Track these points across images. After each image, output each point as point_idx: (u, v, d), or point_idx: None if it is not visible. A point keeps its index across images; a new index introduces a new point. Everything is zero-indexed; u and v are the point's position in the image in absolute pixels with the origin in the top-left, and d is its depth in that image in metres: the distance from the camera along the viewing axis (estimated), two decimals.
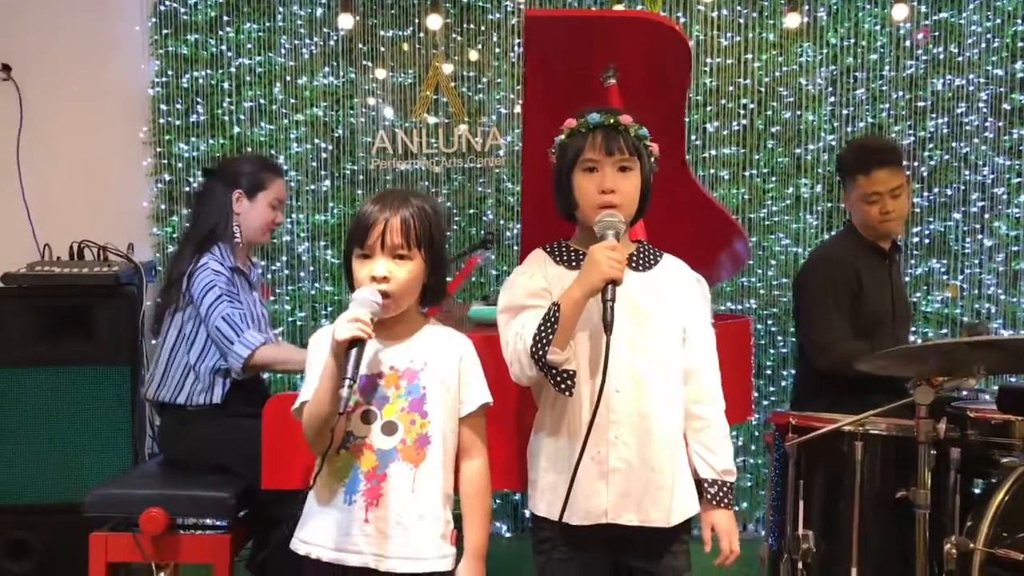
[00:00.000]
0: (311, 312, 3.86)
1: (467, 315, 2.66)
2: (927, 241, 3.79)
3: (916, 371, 2.13)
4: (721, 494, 1.84)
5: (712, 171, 3.82)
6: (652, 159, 1.87)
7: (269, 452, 2.06)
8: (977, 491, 2.48)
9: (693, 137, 3.80)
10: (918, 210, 3.76)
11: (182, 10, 3.79)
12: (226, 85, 3.82)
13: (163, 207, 3.84)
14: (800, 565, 2.33)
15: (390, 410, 1.72)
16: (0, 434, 3.09)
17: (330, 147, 3.85)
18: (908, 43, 3.77)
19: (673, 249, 1.98)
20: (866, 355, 2.28)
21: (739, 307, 3.84)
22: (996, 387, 2.67)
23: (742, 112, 3.81)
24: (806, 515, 2.37)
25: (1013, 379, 3.56)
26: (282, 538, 1.91)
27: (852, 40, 3.78)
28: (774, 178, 3.83)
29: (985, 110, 3.75)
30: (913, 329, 3.73)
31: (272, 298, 3.76)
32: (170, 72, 3.81)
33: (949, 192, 3.78)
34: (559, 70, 2.26)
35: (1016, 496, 2.21)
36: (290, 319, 3.85)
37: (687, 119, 3.77)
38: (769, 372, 3.85)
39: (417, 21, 3.81)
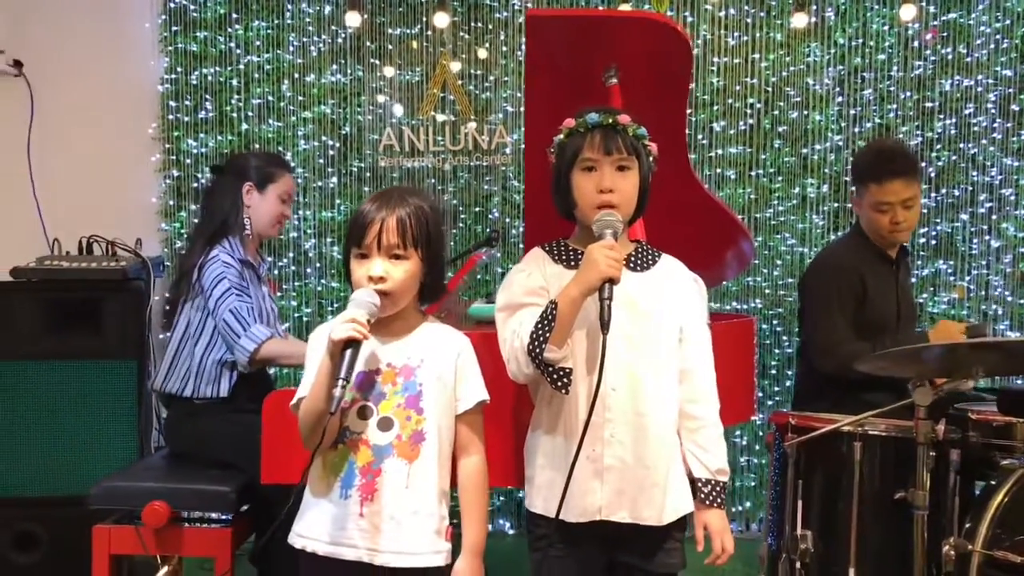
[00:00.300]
0: (317, 308, 3.88)
1: (467, 312, 2.67)
2: (934, 242, 3.78)
3: (916, 372, 2.13)
4: (714, 494, 1.85)
5: (718, 170, 3.82)
6: (651, 158, 1.87)
7: (268, 446, 2.07)
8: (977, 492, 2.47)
9: (700, 136, 3.81)
10: (926, 211, 3.75)
11: (192, 7, 3.83)
12: (235, 82, 3.85)
13: (171, 203, 3.87)
14: (798, 565, 2.33)
15: (386, 406, 1.73)
16: (8, 427, 3.12)
17: (337, 144, 3.88)
18: (916, 43, 3.76)
19: (679, 248, 1.98)
20: (866, 356, 2.28)
21: (744, 307, 3.84)
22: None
23: (749, 112, 3.81)
24: (805, 515, 2.36)
25: (1020, 381, 3.58)
26: (281, 533, 1.92)
27: (860, 40, 3.77)
28: (780, 178, 3.82)
29: (993, 111, 3.73)
30: (919, 330, 3.71)
31: (279, 293, 3.79)
32: (179, 69, 3.84)
33: (957, 193, 3.77)
34: (560, 69, 2.26)
35: (1015, 498, 2.20)
36: (296, 314, 3.87)
37: (694, 118, 3.79)
38: (774, 372, 3.85)
39: (425, 19, 3.83)
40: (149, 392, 3.07)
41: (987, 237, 3.76)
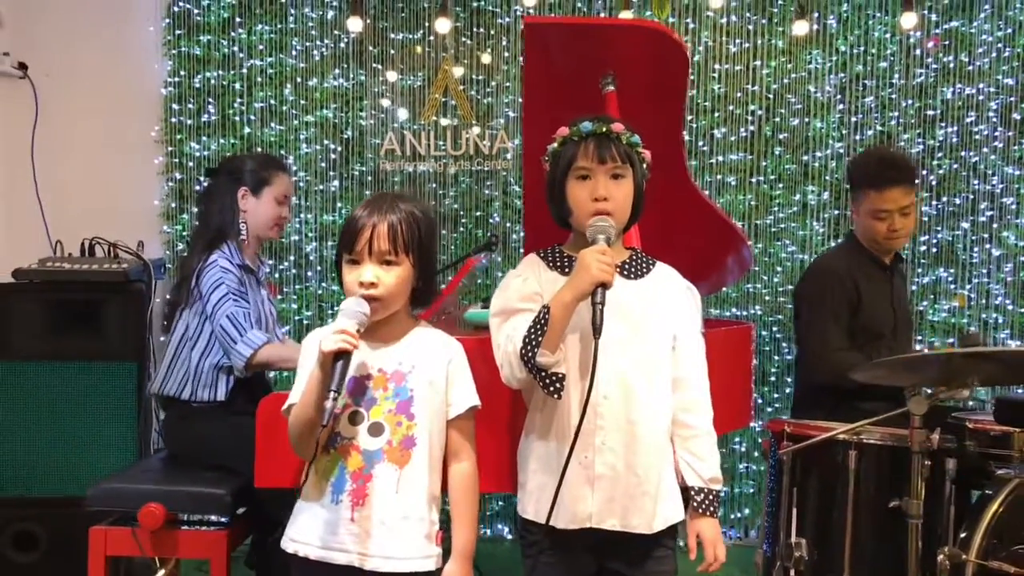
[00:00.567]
0: (318, 311, 3.89)
1: (463, 317, 2.68)
2: (935, 250, 3.78)
3: (911, 381, 2.13)
4: (708, 502, 1.84)
5: (719, 177, 3.82)
6: (644, 166, 1.88)
7: (262, 450, 2.08)
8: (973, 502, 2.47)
9: (701, 143, 3.81)
10: (926, 219, 3.75)
11: (195, 11, 3.84)
12: (237, 86, 3.86)
13: (173, 205, 3.88)
14: (792, 572, 2.34)
15: (377, 411, 1.74)
16: (8, 427, 3.13)
17: (339, 148, 3.89)
18: (918, 51, 3.76)
19: (677, 255, 1.99)
20: (862, 365, 2.28)
21: (744, 313, 3.84)
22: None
23: (750, 118, 3.81)
24: (799, 523, 2.37)
25: (1020, 391, 3.57)
26: (274, 537, 1.93)
27: (862, 48, 3.77)
28: (781, 185, 3.83)
29: (995, 119, 3.73)
30: (919, 338, 3.71)
31: (280, 296, 3.80)
32: (182, 72, 3.86)
33: (958, 201, 3.77)
34: (558, 77, 2.27)
35: (1011, 508, 2.20)
36: (297, 317, 3.89)
37: (695, 125, 3.79)
38: (773, 379, 3.85)
39: (427, 24, 3.84)
40: (149, 394, 3.08)
41: (988, 246, 3.75)
